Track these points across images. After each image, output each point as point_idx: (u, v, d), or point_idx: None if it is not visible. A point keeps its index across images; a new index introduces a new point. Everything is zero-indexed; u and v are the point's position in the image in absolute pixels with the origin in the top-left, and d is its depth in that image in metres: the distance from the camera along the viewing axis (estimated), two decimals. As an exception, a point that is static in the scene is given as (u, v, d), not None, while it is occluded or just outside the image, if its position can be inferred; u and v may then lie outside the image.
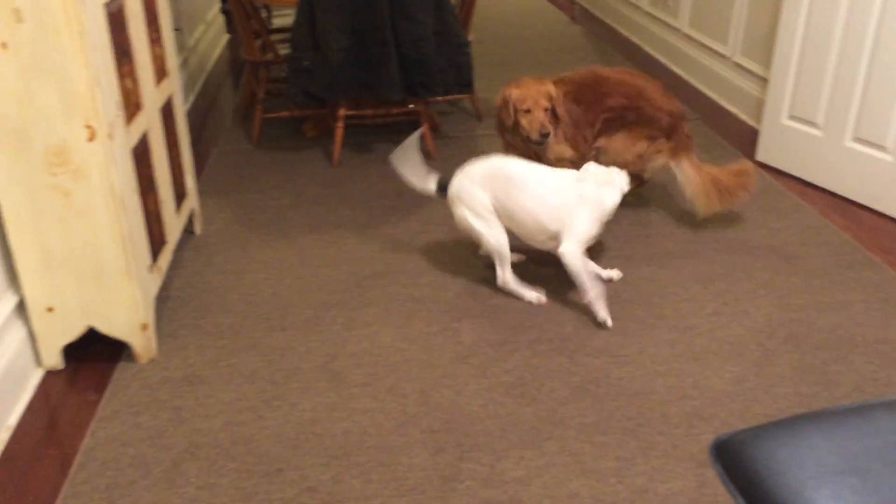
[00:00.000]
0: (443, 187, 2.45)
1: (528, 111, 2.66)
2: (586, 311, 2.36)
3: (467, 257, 2.68)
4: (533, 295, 2.42)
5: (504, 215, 2.40)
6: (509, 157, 2.46)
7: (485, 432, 1.90)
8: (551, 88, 2.69)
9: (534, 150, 2.77)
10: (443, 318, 2.35)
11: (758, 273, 2.55)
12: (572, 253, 2.31)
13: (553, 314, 2.35)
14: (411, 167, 2.47)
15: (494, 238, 2.40)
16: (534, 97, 2.65)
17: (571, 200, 2.33)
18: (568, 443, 1.86)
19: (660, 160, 2.81)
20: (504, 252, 2.41)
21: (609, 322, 2.29)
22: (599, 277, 2.47)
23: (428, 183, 2.47)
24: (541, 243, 2.44)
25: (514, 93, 2.68)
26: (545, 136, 2.65)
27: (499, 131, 2.90)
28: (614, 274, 2.53)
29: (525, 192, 2.34)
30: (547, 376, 2.09)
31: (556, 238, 2.37)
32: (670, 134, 2.78)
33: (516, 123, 2.70)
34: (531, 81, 2.70)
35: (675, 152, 2.79)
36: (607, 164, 2.53)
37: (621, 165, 2.58)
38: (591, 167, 2.40)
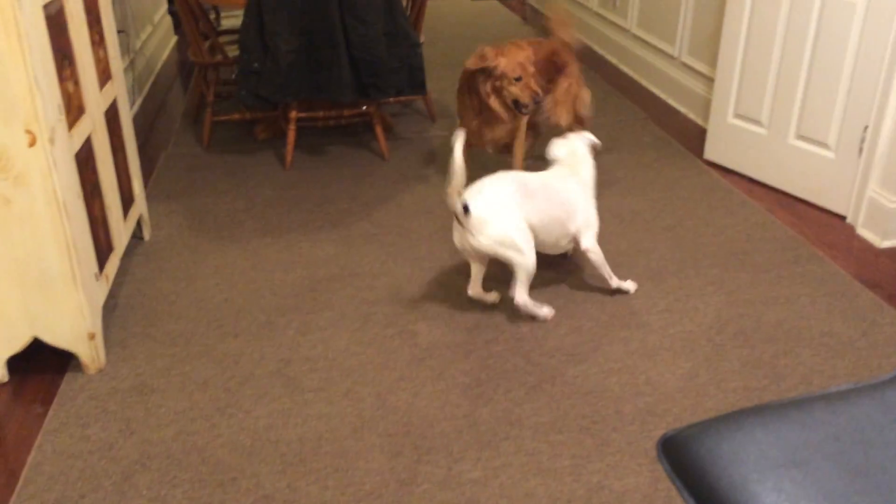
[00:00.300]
0: (468, 208, 2.14)
1: (518, 79, 2.70)
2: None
3: (422, 259, 2.67)
4: (546, 311, 2.32)
5: (532, 231, 2.25)
6: (516, 173, 2.35)
7: (442, 434, 1.90)
8: (530, 53, 2.76)
9: (506, 117, 2.84)
10: (399, 321, 2.34)
11: (707, 269, 2.60)
12: (594, 246, 2.40)
13: (509, 314, 2.36)
14: (456, 180, 2.10)
15: (532, 259, 2.22)
16: (522, 65, 2.70)
17: (581, 195, 2.39)
18: (524, 443, 1.87)
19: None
20: (533, 273, 2.25)
21: (633, 287, 2.46)
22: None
23: (456, 202, 2.13)
24: (559, 248, 2.42)
25: (502, 62, 2.70)
26: (538, 102, 2.74)
27: (461, 96, 2.94)
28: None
29: (552, 201, 2.29)
30: (503, 377, 2.10)
31: (573, 237, 2.39)
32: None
33: (499, 90, 2.75)
34: (513, 49, 2.75)
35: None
36: (559, 109, 3.01)
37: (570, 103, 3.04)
38: (558, 153, 2.47)
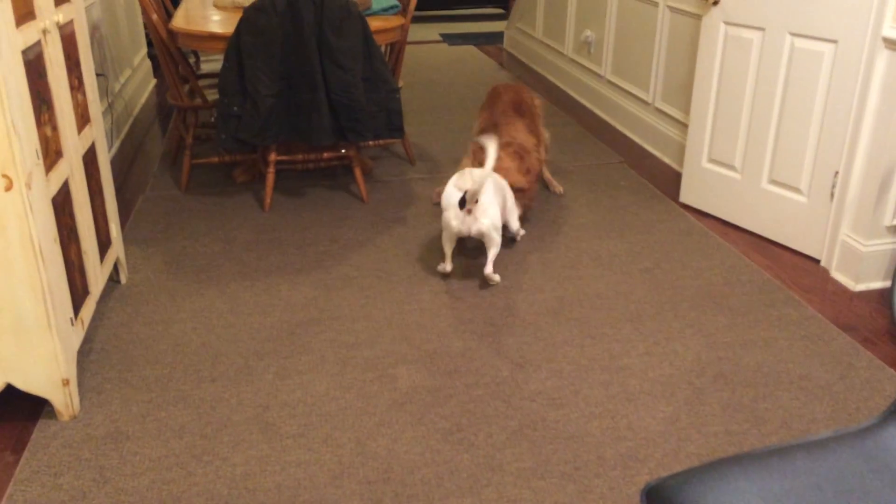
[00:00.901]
0: (463, 201, 2.67)
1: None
2: (522, 354, 2.37)
3: (402, 302, 2.67)
4: (498, 277, 2.80)
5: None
6: (487, 170, 2.71)
7: (422, 481, 1.88)
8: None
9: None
10: (378, 365, 2.33)
11: (685, 312, 2.62)
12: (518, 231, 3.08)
13: (488, 358, 2.36)
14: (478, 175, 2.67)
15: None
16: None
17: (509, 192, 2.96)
18: (506, 489, 1.85)
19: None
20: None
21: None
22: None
23: (476, 192, 2.65)
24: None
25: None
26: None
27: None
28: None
29: (505, 194, 2.90)
30: (484, 421, 2.08)
31: (504, 223, 2.93)
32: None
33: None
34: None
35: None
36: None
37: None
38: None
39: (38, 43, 2.01)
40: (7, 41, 1.78)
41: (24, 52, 1.89)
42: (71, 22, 2.34)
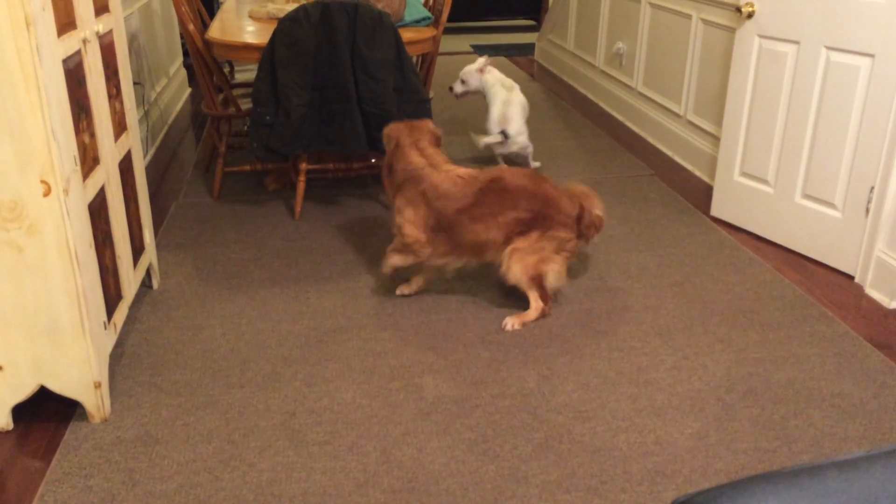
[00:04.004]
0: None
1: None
2: (549, 365, 2.36)
3: (429, 312, 2.67)
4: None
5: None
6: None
7: (447, 492, 1.87)
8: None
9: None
10: (404, 374, 2.33)
11: (715, 327, 2.59)
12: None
13: (515, 368, 2.35)
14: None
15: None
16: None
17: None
18: (531, 502, 1.84)
19: (569, 254, 2.66)
20: None
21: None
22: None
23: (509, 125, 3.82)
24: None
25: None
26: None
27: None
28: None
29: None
30: (510, 433, 2.08)
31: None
32: (580, 232, 2.68)
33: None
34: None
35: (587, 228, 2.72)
36: (517, 271, 2.59)
37: (530, 268, 2.57)
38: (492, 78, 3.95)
39: (79, 52, 2.06)
40: (48, 50, 1.82)
41: (64, 61, 1.93)
42: (110, 32, 2.39)
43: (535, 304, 2.60)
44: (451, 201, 2.59)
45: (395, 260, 2.71)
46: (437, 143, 2.79)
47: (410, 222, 2.64)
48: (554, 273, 2.60)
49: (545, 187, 2.64)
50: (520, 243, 2.58)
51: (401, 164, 2.70)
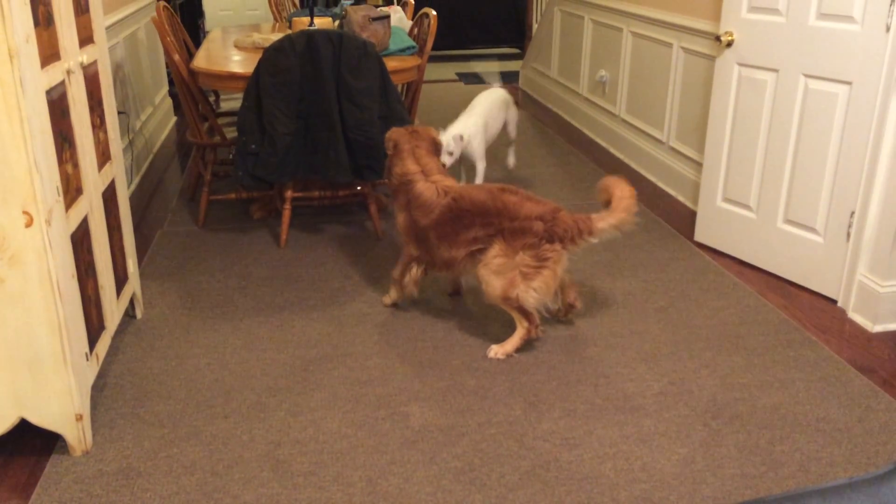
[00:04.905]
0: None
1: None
2: (535, 393, 2.36)
3: (415, 339, 2.66)
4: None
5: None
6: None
7: (433, 522, 1.86)
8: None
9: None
10: (390, 402, 2.32)
11: (700, 352, 2.59)
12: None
13: (501, 396, 2.34)
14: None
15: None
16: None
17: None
18: (517, 531, 1.83)
19: (550, 270, 2.49)
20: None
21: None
22: None
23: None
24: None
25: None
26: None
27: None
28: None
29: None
30: (496, 461, 2.06)
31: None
32: (552, 235, 2.48)
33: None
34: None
35: (568, 243, 2.52)
36: (492, 285, 2.51)
37: (507, 284, 2.49)
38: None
39: (62, 83, 2.06)
40: (32, 81, 1.82)
41: (48, 92, 1.93)
42: (95, 62, 2.40)
43: (519, 326, 2.56)
44: (425, 214, 2.61)
45: (396, 271, 2.82)
46: (437, 151, 2.81)
47: (401, 226, 2.72)
48: (530, 291, 2.47)
49: (503, 197, 2.53)
50: (487, 258, 2.51)
51: (397, 168, 2.73)
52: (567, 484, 1.98)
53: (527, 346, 2.60)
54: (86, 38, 2.32)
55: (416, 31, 4.06)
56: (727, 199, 3.30)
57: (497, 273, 2.50)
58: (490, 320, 2.78)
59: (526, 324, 2.55)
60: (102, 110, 2.45)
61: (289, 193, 3.40)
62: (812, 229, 2.97)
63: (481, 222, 2.53)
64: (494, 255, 2.50)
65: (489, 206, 2.53)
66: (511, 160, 4.27)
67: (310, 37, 3.09)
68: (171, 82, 5.64)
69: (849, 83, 2.75)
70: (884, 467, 0.84)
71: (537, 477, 2.00)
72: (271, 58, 3.11)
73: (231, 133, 3.62)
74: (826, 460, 2.07)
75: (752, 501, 0.82)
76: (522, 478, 2.00)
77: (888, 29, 2.59)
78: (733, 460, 2.07)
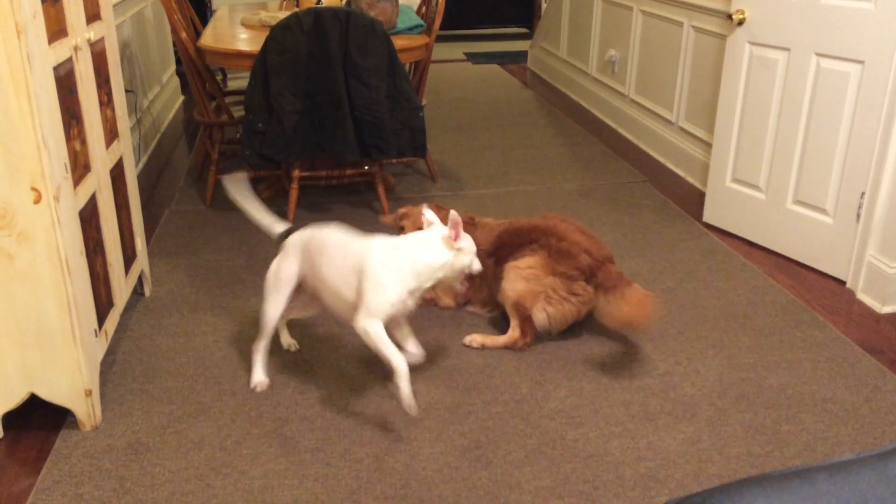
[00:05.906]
0: (283, 237, 2.26)
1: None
2: (542, 371, 2.36)
3: (422, 317, 2.67)
4: (258, 379, 2.29)
5: (312, 287, 2.21)
6: (330, 225, 2.23)
7: (440, 498, 1.87)
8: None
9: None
10: (397, 381, 2.32)
11: (708, 332, 2.59)
12: (363, 329, 2.00)
13: (508, 374, 2.35)
14: (251, 203, 2.32)
15: (267, 309, 2.23)
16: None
17: (367, 265, 2.00)
18: (523, 507, 1.84)
19: (574, 307, 2.44)
20: (266, 326, 2.25)
21: (415, 411, 2.03)
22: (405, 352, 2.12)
23: (275, 226, 2.30)
24: (349, 319, 2.10)
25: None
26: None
27: None
28: (413, 351, 2.17)
29: (324, 258, 2.11)
30: (502, 439, 2.07)
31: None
32: (593, 276, 2.44)
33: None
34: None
35: (604, 292, 2.44)
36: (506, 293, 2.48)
37: (520, 294, 2.44)
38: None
39: (70, 59, 2.06)
40: (39, 58, 1.82)
41: (55, 69, 1.93)
42: (102, 39, 2.39)
43: (511, 331, 2.48)
44: (485, 236, 2.66)
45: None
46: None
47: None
48: (545, 313, 2.43)
49: (556, 221, 2.57)
50: (522, 262, 2.48)
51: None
52: (573, 461, 1.99)
53: (510, 349, 2.48)
54: (93, 15, 2.32)
55: (424, 9, 4.03)
56: (736, 180, 3.28)
57: (524, 279, 2.46)
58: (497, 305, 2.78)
59: (518, 334, 2.47)
60: (110, 87, 2.45)
61: (296, 173, 3.40)
62: (822, 210, 2.95)
63: (533, 238, 2.53)
64: (530, 265, 2.47)
65: (541, 224, 2.57)
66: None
67: (317, 15, 3.08)
68: (178, 61, 5.63)
69: (861, 62, 2.72)
70: (891, 443, 0.84)
71: (543, 454, 2.01)
72: (278, 36, 3.09)
73: (238, 112, 3.61)
74: (832, 440, 2.07)
75: (757, 477, 0.82)
76: (528, 455, 2.01)
77: (902, 7, 2.56)
78: (739, 439, 2.07)
